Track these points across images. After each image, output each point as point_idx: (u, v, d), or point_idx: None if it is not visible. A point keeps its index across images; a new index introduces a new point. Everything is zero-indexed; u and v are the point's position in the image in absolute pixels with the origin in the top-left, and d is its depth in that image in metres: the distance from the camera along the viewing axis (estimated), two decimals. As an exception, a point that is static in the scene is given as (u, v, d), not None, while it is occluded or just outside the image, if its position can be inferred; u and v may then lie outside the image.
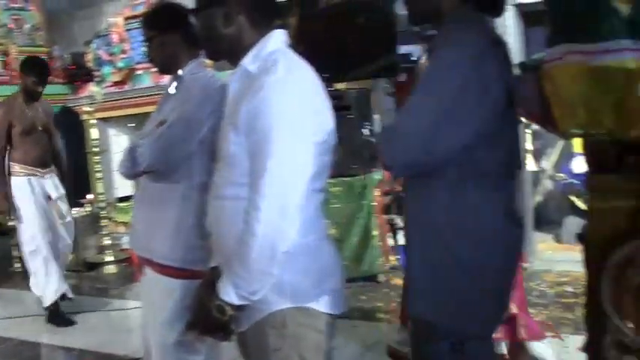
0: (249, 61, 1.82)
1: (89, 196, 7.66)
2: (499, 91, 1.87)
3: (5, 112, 5.17)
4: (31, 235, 5.18)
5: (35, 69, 5.17)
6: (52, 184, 5.35)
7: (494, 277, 1.93)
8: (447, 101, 1.82)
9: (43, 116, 5.33)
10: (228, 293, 1.73)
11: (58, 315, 5.21)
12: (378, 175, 5.52)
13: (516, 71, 2.27)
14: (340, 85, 6.00)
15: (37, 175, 5.25)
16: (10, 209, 5.14)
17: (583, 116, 1.89)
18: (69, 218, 5.53)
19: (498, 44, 1.94)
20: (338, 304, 1.89)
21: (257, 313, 1.80)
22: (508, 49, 2.00)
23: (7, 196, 5.11)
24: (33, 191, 5.20)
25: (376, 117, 6.29)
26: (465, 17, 1.93)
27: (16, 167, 5.20)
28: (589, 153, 2.15)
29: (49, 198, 5.31)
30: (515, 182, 2.01)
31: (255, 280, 1.72)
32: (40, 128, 5.27)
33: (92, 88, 7.31)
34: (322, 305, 1.83)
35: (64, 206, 5.46)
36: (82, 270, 6.88)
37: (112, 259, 6.98)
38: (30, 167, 5.21)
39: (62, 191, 5.42)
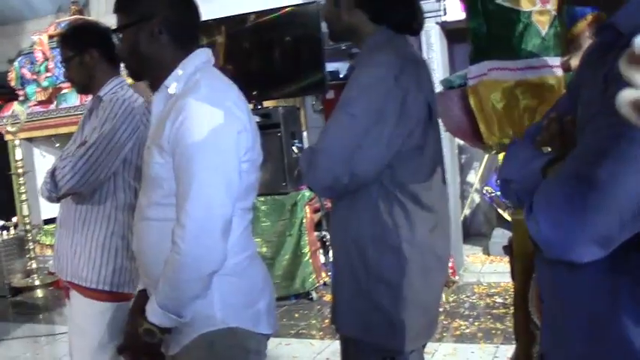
0: (172, 81, 1.79)
1: (14, 219, 7.42)
2: (419, 110, 1.90)
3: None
4: None
5: None
6: None
7: (419, 291, 1.95)
8: (366, 122, 1.83)
9: None
10: (157, 316, 1.69)
11: None
12: (308, 191, 5.52)
13: (441, 87, 2.32)
14: (269, 103, 6.00)
15: None
16: None
17: (507, 129, 1.95)
18: None
19: (417, 63, 1.97)
20: (269, 323, 1.87)
21: (187, 336, 1.76)
22: (427, 67, 2.04)
23: None
24: None
25: (305, 134, 6.31)
26: (382, 38, 1.95)
27: None
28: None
29: None
30: (439, 197, 2.04)
31: (183, 301, 1.68)
32: None
33: (15, 108, 7.09)
34: (253, 325, 1.81)
35: None
36: (7, 295, 6.63)
37: (38, 283, 6.72)
38: None
39: None
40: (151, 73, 1.85)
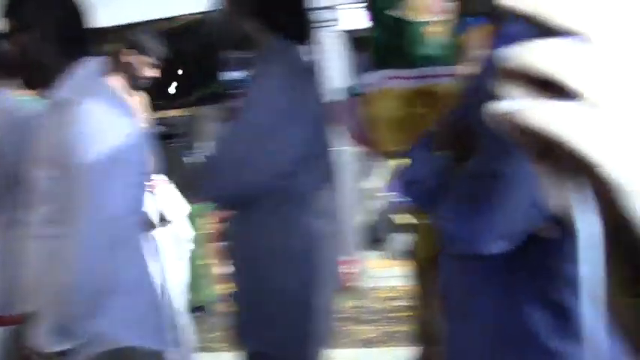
0: (60, 90, 1.73)
1: None
2: (312, 118, 1.93)
3: None
4: None
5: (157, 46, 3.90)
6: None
7: (317, 298, 1.97)
8: (261, 130, 1.85)
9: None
10: (47, 338, 1.61)
11: None
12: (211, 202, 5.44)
13: (343, 95, 2.36)
14: (171, 112, 5.91)
15: None
16: None
17: (404, 136, 2.00)
18: None
19: (310, 72, 2.01)
20: (167, 339, 1.83)
21: (80, 357, 1.68)
22: (320, 76, 2.08)
23: None
24: None
25: (204, 144, 6.24)
26: (276, 47, 1.97)
27: None
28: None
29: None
30: (332, 204, 2.08)
31: (76, 321, 1.61)
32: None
33: None
34: (150, 342, 1.76)
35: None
36: None
37: None
38: None
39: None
40: (41, 82, 1.78)
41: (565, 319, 1.16)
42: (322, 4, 5.10)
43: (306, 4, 2.08)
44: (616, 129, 0.34)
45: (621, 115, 0.34)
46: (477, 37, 2.09)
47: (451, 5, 1.90)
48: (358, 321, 4.89)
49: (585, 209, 0.38)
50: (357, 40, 5.89)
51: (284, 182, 1.89)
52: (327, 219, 2.00)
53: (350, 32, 5.80)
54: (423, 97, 1.96)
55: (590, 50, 0.35)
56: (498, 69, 0.39)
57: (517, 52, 0.37)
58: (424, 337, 2.20)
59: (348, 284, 5.25)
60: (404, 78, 1.95)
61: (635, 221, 0.35)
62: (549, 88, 0.36)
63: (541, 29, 0.37)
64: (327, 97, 2.12)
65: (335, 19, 5.75)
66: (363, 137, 2.17)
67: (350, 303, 5.26)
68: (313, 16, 2.12)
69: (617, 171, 0.34)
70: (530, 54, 0.36)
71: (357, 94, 2.21)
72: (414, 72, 1.96)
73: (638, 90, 0.34)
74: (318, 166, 1.98)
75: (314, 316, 1.95)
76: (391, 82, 1.97)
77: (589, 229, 0.37)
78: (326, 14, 5.41)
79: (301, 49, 2.07)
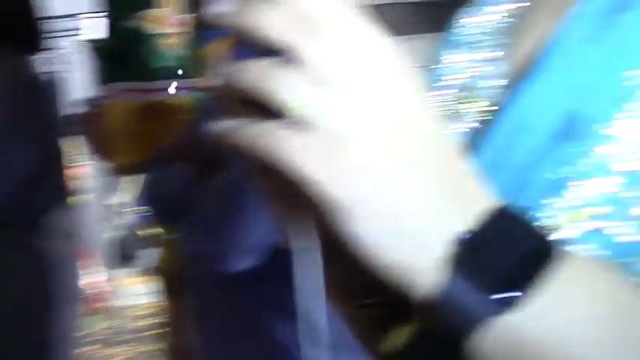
0: None
1: None
2: (43, 132, 1.86)
3: None
4: None
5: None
6: None
7: (51, 324, 1.90)
8: None
9: None
10: None
11: None
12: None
13: (83, 107, 2.28)
14: None
15: None
16: None
17: (139, 150, 1.98)
18: None
19: (41, 83, 1.93)
20: None
21: None
22: (56, 87, 2.00)
23: None
24: None
25: None
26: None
27: None
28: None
29: None
30: (67, 222, 2.01)
31: None
32: None
33: None
34: None
35: None
36: None
37: None
38: None
39: None
40: None
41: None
42: (62, 13, 4.88)
43: (39, 13, 1.98)
44: (324, 147, 0.34)
45: (328, 132, 0.34)
46: (219, 50, 2.12)
47: (189, 17, 1.90)
48: (109, 343, 4.72)
49: (301, 225, 0.38)
50: (97, 51, 5.72)
51: (11, 203, 1.78)
52: (63, 239, 1.92)
53: (91, 42, 5.61)
54: (157, 110, 1.95)
55: (299, 69, 0.35)
56: (218, 87, 0.38)
57: (230, 71, 0.36)
58: (176, 354, 2.18)
59: (97, 305, 5.05)
60: (137, 91, 1.94)
61: (346, 239, 0.35)
62: (260, 107, 0.36)
63: (255, 46, 0.36)
64: (66, 110, 2.03)
65: (76, 29, 5.53)
66: (103, 150, 2.12)
67: (100, 324, 5.06)
68: (51, 24, 2.02)
69: (327, 189, 0.34)
70: (240, 73, 0.36)
71: (96, 107, 2.15)
72: (149, 85, 1.95)
73: (343, 109, 0.34)
74: (50, 185, 1.90)
75: (52, 342, 1.87)
76: (125, 95, 1.94)
77: (305, 244, 0.37)
78: (66, 23, 5.19)
79: (33, 59, 1.97)
